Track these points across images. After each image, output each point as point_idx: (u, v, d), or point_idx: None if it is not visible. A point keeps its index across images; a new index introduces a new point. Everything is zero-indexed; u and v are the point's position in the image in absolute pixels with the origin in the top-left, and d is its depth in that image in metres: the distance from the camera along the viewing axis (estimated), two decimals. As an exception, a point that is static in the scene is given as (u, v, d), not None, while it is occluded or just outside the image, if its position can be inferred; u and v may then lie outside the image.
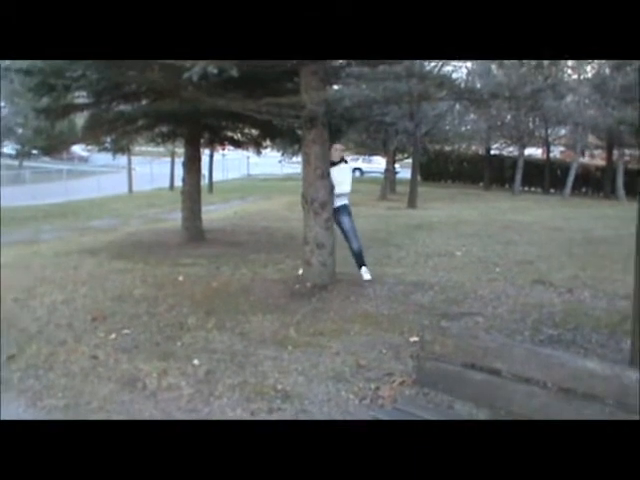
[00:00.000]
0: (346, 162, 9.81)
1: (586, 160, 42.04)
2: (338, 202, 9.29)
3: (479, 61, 35.97)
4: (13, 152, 56.27)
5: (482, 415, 4.74)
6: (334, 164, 9.31)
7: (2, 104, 43.44)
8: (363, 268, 9.48)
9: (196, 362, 6.15)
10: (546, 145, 41.62)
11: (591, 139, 38.21)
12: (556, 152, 44.87)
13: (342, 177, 9.36)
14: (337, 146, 9.61)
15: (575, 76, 36.35)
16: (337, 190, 9.23)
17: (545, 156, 42.97)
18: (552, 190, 40.34)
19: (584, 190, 40.29)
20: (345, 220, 9.47)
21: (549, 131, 39.77)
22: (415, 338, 6.69)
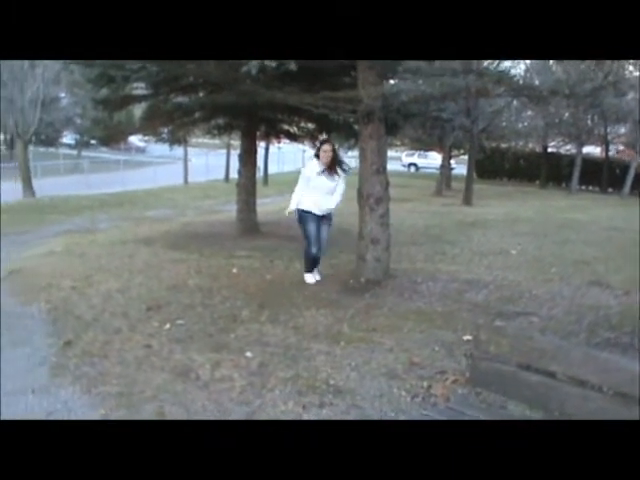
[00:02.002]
0: (342, 166, 8.93)
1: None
2: (322, 208, 8.76)
3: (538, 57, 35.65)
4: (72, 142, 57.48)
5: (535, 417, 4.67)
6: (328, 168, 8.72)
7: (62, 95, 44.05)
8: (308, 274, 9.07)
9: (249, 354, 6.17)
10: (605, 143, 41.04)
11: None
12: (615, 151, 44.15)
13: (334, 186, 8.81)
14: (326, 147, 8.76)
15: (637, 73, 35.68)
16: (327, 204, 8.76)
17: (603, 154, 42.36)
18: (610, 189, 39.81)
19: (644, 190, 39.62)
20: (323, 228, 8.89)
21: (608, 129, 39.19)
22: (468, 336, 6.64)
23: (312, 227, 8.70)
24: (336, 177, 8.73)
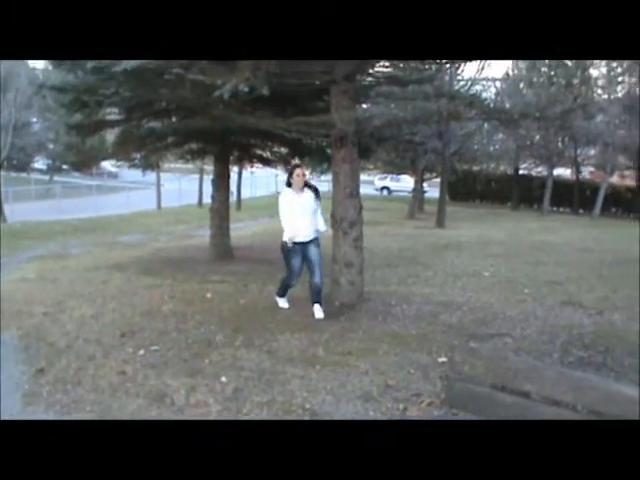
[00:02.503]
0: (313, 188, 8.70)
1: (616, 180, 41.71)
2: (308, 234, 8.52)
3: (509, 81, 36.08)
4: (44, 167, 57.14)
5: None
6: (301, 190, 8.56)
7: (34, 119, 43.87)
8: (317, 305, 8.58)
9: (224, 379, 6.14)
10: (575, 165, 41.46)
11: (621, 159, 37.94)
12: (585, 172, 44.60)
13: (315, 206, 8.63)
14: (298, 171, 8.56)
15: (605, 96, 36.17)
16: (313, 225, 8.59)
17: (574, 176, 42.77)
18: (581, 210, 40.19)
19: (614, 211, 40.03)
20: (313, 251, 8.54)
21: (578, 151, 39.63)
22: (443, 358, 6.66)
23: (296, 260, 8.51)
24: (311, 196, 8.60)
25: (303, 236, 8.43)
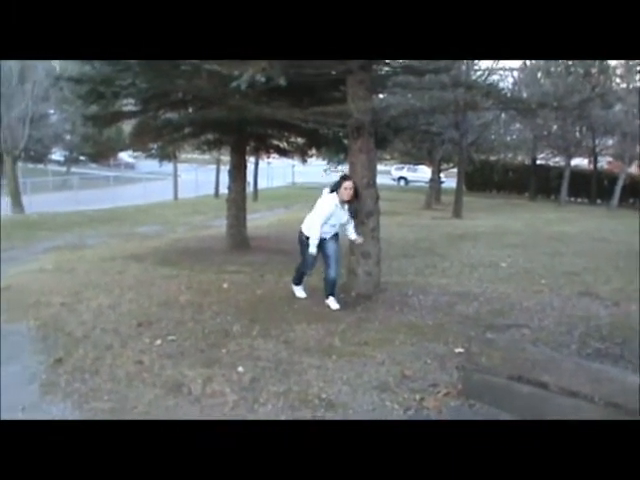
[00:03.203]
0: (354, 205, 8.71)
1: (634, 171, 41.43)
2: (328, 234, 8.52)
3: (526, 70, 35.92)
4: (61, 158, 57.38)
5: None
6: (347, 202, 8.56)
7: (51, 111, 44.01)
8: (331, 298, 8.57)
9: (241, 369, 6.15)
10: (593, 155, 41.26)
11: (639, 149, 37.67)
12: (603, 162, 44.35)
13: (346, 219, 8.66)
14: (347, 184, 8.42)
15: (624, 85, 35.90)
16: (329, 233, 8.54)
17: (592, 166, 42.54)
18: (599, 201, 39.98)
19: (632, 201, 39.72)
20: (331, 245, 8.54)
21: (596, 141, 39.42)
22: (460, 349, 6.65)
23: (312, 256, 8.45)
24: (350, 210, 8.60)
25: (324, 235, 8.45)
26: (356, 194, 8.52)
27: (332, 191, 8.46)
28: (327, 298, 8.57)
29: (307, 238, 8.41)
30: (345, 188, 8.38)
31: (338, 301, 8.47)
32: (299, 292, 9.07)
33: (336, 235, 8.62)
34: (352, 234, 8.76)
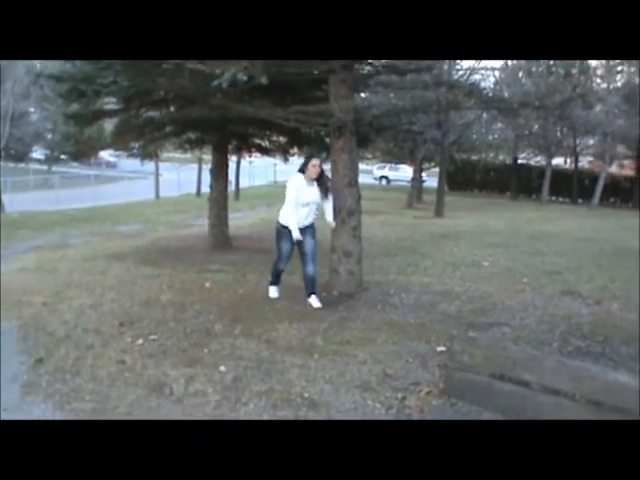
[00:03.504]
0: (326, 180, 8.66)
1: (615, 170, 41.71)
2: (305, 222, 8.44)
3: (507, 70, 36.07)
4: (42, 157, 57.09)
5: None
6: (316, 181, 8.50)
7: (32, 109, 43.78)
8: (313, 296, 8.52)
9: (223, 369, 6.14)
10: (574, 155, 41.52)
11: (620, 149, 37.93)
12: (584, 162, 44.61)
13: (320, 199, 8.58)
14: (315, 161, 8.44)
15: (604, 85, 36.14)
16: (312, 217, 8.53)
17: (573, 166, 42.80)
18: (580, 200, 40.22)
19: (612, 200, 40.04)
20: (308, 241, 8.45)
21: (577, 141, 39.68)
22: (442, 348, 6.66)
23: (287, 245, 8.45)
24: (321, 190, 8.54)
25: (300, 224, 8.35)
26: (322, 172, 8.49)
27: (300, 171, 8.47)
28: (308, 297, 8.53)
29: (284, 227, 8.37)
30: (313, 165, 8.38)
31: (320, 300, 8.47)
32: (272, 292, 8.99)
33: (313, 230, 8.56)
34: (329, 215, 8.72)
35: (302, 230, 8.37)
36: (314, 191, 8.47)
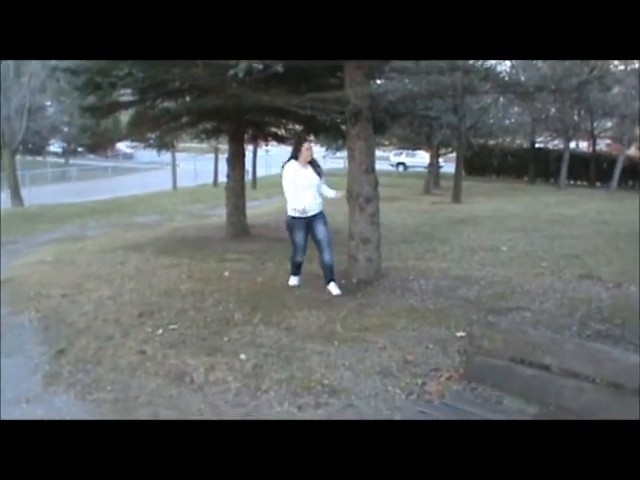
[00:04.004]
0: (316, 165, 8.63)
1: (633, 153, 41.37)
2: (313, 208, 8.46)
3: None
4: (59, 150, 57.35)
5: (531, 410, 4.67)
6: (310, 163, 8.55)
7: (49, 103, 43.93)
8: (332, 283, 8.57)
9: (243, 357, 6.17)
10: (592, 138, 41.21)
11: (638, 131, 37.60)
12: (602, 145, 44.29)
13: (318, 182, 8.55)
14: (307, 145, 8.56)
15: (622, 67, 35.82)
16: (317, 200, 8.50)
17: (591, 149, 42.51)
18: (598, 184, 39.93)
19: (631, 184, 39.67)
20: (320, 228, 8.49)
21: (595, 124, 39.37)
22: (462, 333, 6.66)
23: (300, 235, 8.51)
24: (316, 171, 8.54)
25: (308, 210, 8.36)
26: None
27: (293, 157, 8.50)
28: (328, 284, 8.56)
29: (293, 218, 8.43)
30: (306, 149, 8.43)
31: (339, 287, 8.48)
32: (292, 281, 9.02)
33: (323, 217, 8.55)
34: (329, 192, 8.70)
35: (312, 218, 8.42)
36: (310, 173, 8.48)
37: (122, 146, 60.94)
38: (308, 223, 8.44)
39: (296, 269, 8.99)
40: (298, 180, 8.36)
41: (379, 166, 10.49)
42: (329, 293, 8.39)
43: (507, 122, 38.54)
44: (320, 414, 5.00)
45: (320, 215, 8.52)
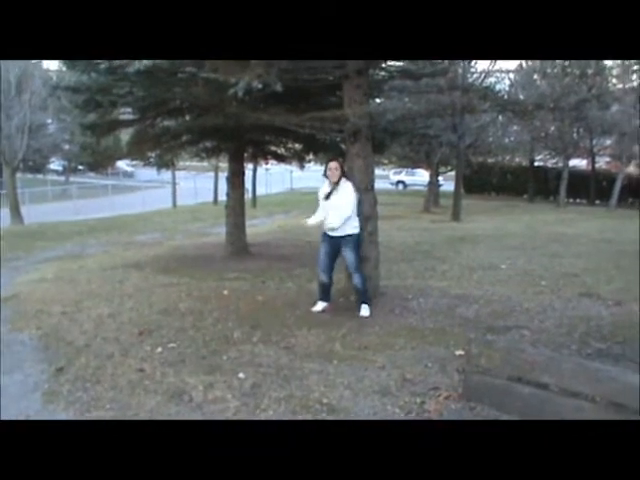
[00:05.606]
0: (350, 189, 8.33)
1: (632, 170, 41.43)
2: (342, 231, 8.31)
3: (522, 72, 36.00)
4: (60, 168, 57.45)
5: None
6: (335, 184, 8.34)
7: (49, 121, 44.03)
8: (363, 305, 8.45)
9: (242, 375, 6.16)
10: (591, 156, 41.30)
11: (637, 149, 37.68)
12: (601, 163, 44.35)
13: (342, 200, 8.30)
14: (332, 164, 8.38)
15: (620, 85, 35.97)
16: (335, 217, 8.25)
17: (590, 167, 42.57)
18: (597, 201, 40.01)
19: (631, 201, 39.70)
20: (347, 252, 8.35)
21: (594, 141, 39.45)
22: (461, 352, 6.65)
23: (322, 251, 8.42)
24: (346, 191, 8.32)
25: (330, 230, 8.34)
26: (343, 172, 8.41)
27: (324, 175, 8.48)
28: (359, 307, 8.48)
29: (323, 233, 8.45)
30: (329, 169, 8.37)
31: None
32: (316, 306, 8.68)
33: (352, 240, 8.37)
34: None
35: (341, 240, 8.34)
36: (340, 194, 8.33)
37: (122, 164, 61.08)
38: (337, 243, 8.38)
39: (322, 293, 8.72)
40: (324, 200, 8.40)
41: (379, 184, 10.52)
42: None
43: (506, 140, 38.67)
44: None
45: (349, 238, 8.35)
